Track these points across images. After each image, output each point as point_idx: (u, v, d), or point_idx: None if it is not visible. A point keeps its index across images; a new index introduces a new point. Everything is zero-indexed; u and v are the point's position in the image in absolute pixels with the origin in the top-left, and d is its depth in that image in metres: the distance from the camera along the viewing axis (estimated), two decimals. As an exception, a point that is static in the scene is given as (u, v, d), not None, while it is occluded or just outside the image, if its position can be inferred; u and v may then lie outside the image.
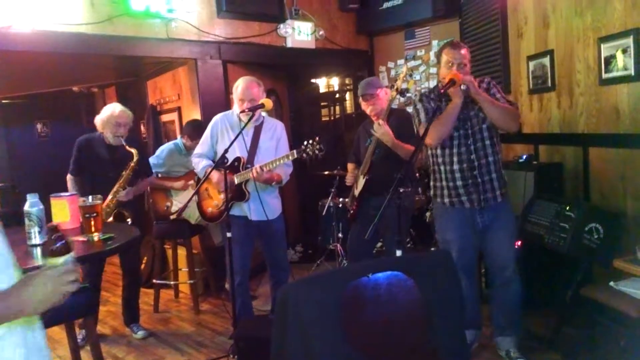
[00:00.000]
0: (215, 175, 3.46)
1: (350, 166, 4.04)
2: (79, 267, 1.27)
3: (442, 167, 3.12)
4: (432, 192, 3.25)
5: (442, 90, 2.87)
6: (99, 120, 3.97)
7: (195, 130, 4.43)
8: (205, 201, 3.73)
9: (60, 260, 1.28)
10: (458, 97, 2.93)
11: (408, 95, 5.70)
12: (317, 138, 3.35)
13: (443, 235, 3.22)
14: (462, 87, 2.90)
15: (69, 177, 3.98)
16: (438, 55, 3.14)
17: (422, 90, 5.58)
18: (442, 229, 3.23)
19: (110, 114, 3.93)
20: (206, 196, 3.73)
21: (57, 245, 1.30)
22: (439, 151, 3.12)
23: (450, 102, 2.97)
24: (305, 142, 3.34)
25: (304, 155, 3.33)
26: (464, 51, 3.02)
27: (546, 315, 3.47)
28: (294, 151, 3.35)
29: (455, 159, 3.05)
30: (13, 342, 1.22)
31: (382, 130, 3.45)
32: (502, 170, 3.13)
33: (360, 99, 3.76)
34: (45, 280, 1.21)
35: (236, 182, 3.44)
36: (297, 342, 1.57)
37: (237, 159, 3.49)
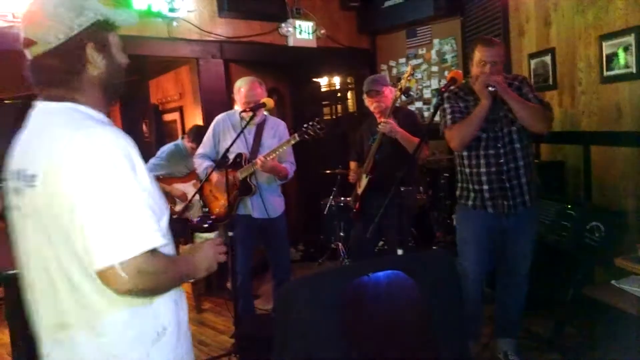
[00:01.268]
0: (215, 176, 3.47)
1: (352, 164, 4.04)
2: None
3: (468, 170, 2.99)
4: (457, 193, 3.13)
5: (443, 89, 2.78)
6: None
7: (197, 134, 4.42)
8: (212, 204, 3.73)
9: (212, 235, 1.55)
10: (486, 98, 2.79)
11: (410, 93, 5.70)
12: (316, 119, 3.36)
13: (460, 239, 3.13)
14: (490, 88, 2.78)
15: None
16: (470, 52, 2.96)
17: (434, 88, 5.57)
18: (460, 232, 3.15)
19: None
20: (212, 199, 3.73)
21: (207, 223, 1.56)
22: (465, 153, 2.98)
23: (479, 104, 2.84)
24: (306, 125, 3.34)
25: (306, 136, 3.33)
26: (497, 48, 2.86)
27: (547, 315, 3.47)
28: (296, 134, 3.36)
29: (482, 161, 2.91)
30: (184, 306, 1.43)
31: (389, 127, 3.43)
32: (534, 174, 2.97)
33: (365, 96, 3.73)
34: (208, 249, 1.47)
35: (240, 177, 3.45)
36: (298, 340, 1.57)
37: (239, 155, 3.50)
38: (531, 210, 2.97)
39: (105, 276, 1.16)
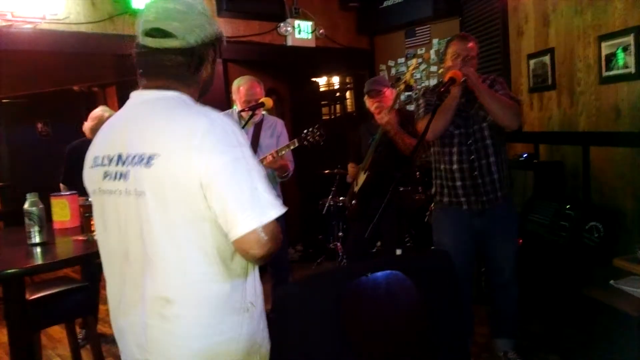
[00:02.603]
0: None
1: (350, 165, 4.04)
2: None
3: (442, 166, 3.04)
4: (433, 190, 3.18)
5: (442, 89, 2.81)
6: (87, 128, 3.85)
7: None
8: None
9: None
10: (456, 88, 2.84)
11: (409, 93, 5.70)
12: (316, 125, 3.36)
13: (438, 238, 3.16)
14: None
15: (61, 185, 3.86)
16: (445, 47, 3.01)
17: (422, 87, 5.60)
18: (438, 230, 3.18)
19: (99, 119, 3.81)
20: None
21: None
22: (438, 149, 3.04)
23: (449, 94, 2.88)
24: (306, 130, 3.33)
25: (305, 142, 3.33)
26: (471, 44, 2.93)
27: (545, 315, 3.47)
28: (295, 140, 3.35)
29: (455, 158, 2.96)
30: (256, 273, 1.51)
31: (386, 118, 3.45)
32: (506, 171, 3.00)
33: (366, 96, 3.74)
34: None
35: None
36: (297, 341, 1.57)
37: None
38: (504, 206, 3.00)
39: (248, 240, 1.28)
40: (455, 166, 2.96)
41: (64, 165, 3.86)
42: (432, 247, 4.80)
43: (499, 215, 2.99)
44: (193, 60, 1.42)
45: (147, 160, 1.32)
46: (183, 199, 1.29)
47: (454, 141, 2.96)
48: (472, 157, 2.92)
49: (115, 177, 1.38)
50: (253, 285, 1.48)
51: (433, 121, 2.84)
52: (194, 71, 1.44)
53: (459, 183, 2.96)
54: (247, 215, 1.27)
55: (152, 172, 1.31)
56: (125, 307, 1.44)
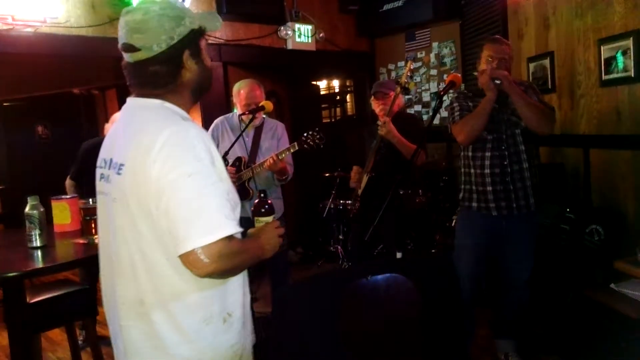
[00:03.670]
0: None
1: (354, 169, 4.04)
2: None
3: (472, 171, 3.00)
4: (460, 195, 3.13)
5: (441, 93, 2.80)
6: (107, 130, 3.87)
7: None
8: None
9: (270, 218, 1.60)
10: (491, 91, 2.81)
11: (408, 97, 5.70)
12: (316, 128, 3.35)
13: (461, 240, 3.13)
14: (496, 81, 2.79)
15: (68, 181, 3.87)
16: (479, 51, 3.00)
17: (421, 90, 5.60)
18: (461, 233, 3.15)
19: None
20: None
21: (265, 208, 1.60)
22: (470, 154, 3.01)
23: (484, 97, 2.86)
24: (305, 134, 3.33)
25: (305, 145, 3.33)
26: (505, 47, 2.93)
27: (546, 317, 3.47)
28: (295, 143, 3.35)
29: (487, 162, 2.92)
30: (240, 284, 1.48)
31: (386, 129, 3.45)
32: (537, 178, 2.96)
33: (372, 98, 3.76)
34: (270, 231, 1.54)
35: (243, 179, 3.43)
36: (296, 343, 1.57)
37: (238, 159, 3.49)
38: (532, 214, 2.97)
39: (187, 260, 1.26)
40: (487, 170, 2.93)
41: (76, 163, 3.84)
42: (433, 250, 4.83)
43: (526, 225, 2.96)
44: (166, 67, 1.39)
45: (118, 169, 1.36)
46: (144, 209, 1.30)
47: (486, 146, 2.93)
48: (505, 162, 2.89)
49: (106, 180, 1.43)
50: (238, 293, 1.46)
51: (468, 123, 2.85)
52: (172, 76, 1.41)
53: (489, 188, 2.93)
54: (186, 235, 1.24)
55: (121, 180, 1.35)
56: (115, 310, 1.45)
